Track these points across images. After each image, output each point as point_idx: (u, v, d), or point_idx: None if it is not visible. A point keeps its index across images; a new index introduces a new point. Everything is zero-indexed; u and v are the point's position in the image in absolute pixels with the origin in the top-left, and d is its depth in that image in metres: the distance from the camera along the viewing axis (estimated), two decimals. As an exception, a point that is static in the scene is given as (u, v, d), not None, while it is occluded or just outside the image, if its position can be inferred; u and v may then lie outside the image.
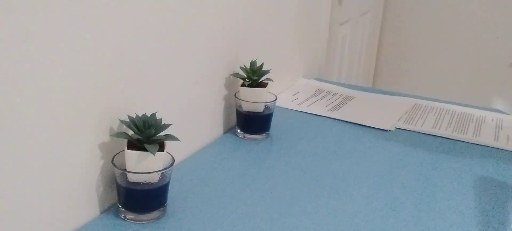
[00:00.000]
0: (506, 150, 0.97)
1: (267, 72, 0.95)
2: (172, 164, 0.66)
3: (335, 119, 1.08)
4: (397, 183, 0.81)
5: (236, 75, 0.95)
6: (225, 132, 0.98)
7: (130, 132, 0.65)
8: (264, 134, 0.96)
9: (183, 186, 0.75)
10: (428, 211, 0.73)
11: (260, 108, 0.94)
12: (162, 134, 0.66)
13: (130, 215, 0.65)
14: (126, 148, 0.63)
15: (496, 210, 0.74)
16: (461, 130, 1.05)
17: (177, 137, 0.67)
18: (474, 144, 0.99)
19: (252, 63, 0.94)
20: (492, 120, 1.13)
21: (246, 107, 0.93)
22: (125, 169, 0.63)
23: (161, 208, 0.67)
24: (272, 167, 0.84)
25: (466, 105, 1.22)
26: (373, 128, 1.04)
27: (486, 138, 1.01)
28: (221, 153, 0.88)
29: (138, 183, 0.64)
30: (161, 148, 0.64)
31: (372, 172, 0.85)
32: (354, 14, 1.85)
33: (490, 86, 2.11)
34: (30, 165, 0.55)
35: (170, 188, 0.67)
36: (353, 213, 0.71)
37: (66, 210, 0.62)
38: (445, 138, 1.01)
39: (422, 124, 1.07)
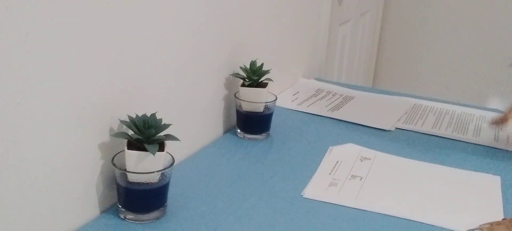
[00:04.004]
0: (506, 150, 0.97)
1: (267, 72, 0.95)
2: (172, 164, 0.66)
3: (335, 119, 1.08)
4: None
5: (236, 75, 0.95)
6: (225, 132, 0.98)
7: (130, 132, 0.65)
8: (264, 134, 0.96)
9: (183, 186, 0.75)
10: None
11: (260, 108, 0.94)
12: (162, 134, 0.66)
13: (130, 215, 0.65)
14: (126, 148, 0.63)
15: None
16: (461, 130, 1.05)
17: (177, 137, 0.67)
18: (474, 144, 0.99)
19: (252, 63, 0.94)
20: None
21: (246, 107, 0.93)
22: (125, 169, 0.63)
23: (161, 208, 0.67)
24: (272, 167, 0.84)
25: (466, 105, 1.22)
26: (373, 127, 1.04)
27: (486, 138, 1.01)
28: (221, 153, 0.88)
29: (138, 183, 0.64)
30: (161, 148, 0.64)
31: (372, 172, 0.85)
32: (354, 14, 1.85)
33: (490, 86, 2.11)
34: (29, 165, 0.55)
35: (170, 188, 0.67)
36: (353, 212, 0.71)
37: (66, 210, 0.62)
38: (444, 137, 1.01)
39: (422, 124, 1.07)
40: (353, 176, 0.81)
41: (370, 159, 0.88)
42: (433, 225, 0.69)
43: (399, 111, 1.14)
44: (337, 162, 0.86)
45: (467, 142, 0.99)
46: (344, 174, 0.82)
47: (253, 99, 0.92)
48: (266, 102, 0.94)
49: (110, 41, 0.63)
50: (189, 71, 0.82)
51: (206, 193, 0.74)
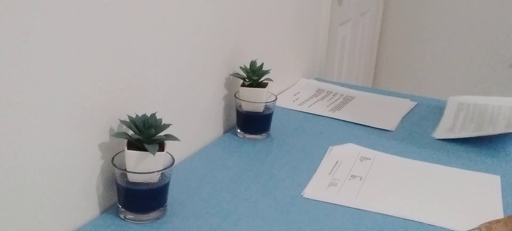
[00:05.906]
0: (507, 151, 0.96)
1: (267, 72, 0.95)
2: (172, 164, 0.66)
3: (335, 119, 1.08)
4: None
5: (236, 75, 0.95)
6: (225, 132, 0.98)
7: (130, 132, 0.65)
8: (264, 134, 0.96)
9: (183, 186, 0.75)
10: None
11: (260, 108, 0.94)
12: (162, 134, 0.66)
13: (130, 215, 0.65)
14: (126, 148, 0.63)
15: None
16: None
17: (177, 137, 0.67)
18: (475, 144, 0.98)
19: (252, 63, 0.94)
20: None
21: (246, 107, 0.93)
22: (125, 169, 0.63)
23: (161, 208, 0.67)
24: (272, 167, 0.84)
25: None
26: (374, 127, 1.04)
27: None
28: (221, 153, 0.88)
29: (138, 183, 0.64)
30: (161, 148, 0.64)
31: (372, 172, 0.85)
32: (354, 14, 1.85)
33: (490, 86, 2.11)
34: (30, 165, 0.55)
35: (170, 188, 0.67)
36: (353, 212, 0.71)
37: (66, 210, 0.62)
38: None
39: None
40: (353, 176, 0.81)
41: (370, 159, 0.88)
42: (433, 225, 0.69)
43: (399, 111, 1.14)
44: (337, 162, 0.86)
45: (471, 139, 0.99)
46: (344, 174, 0.82)
47: (253, 99, 0.92)
48: (266, 102, 0.94)
49: (110, 41, 0.63)
50: (189, 71, 0.83)
51: (206, 193, 0.74)
